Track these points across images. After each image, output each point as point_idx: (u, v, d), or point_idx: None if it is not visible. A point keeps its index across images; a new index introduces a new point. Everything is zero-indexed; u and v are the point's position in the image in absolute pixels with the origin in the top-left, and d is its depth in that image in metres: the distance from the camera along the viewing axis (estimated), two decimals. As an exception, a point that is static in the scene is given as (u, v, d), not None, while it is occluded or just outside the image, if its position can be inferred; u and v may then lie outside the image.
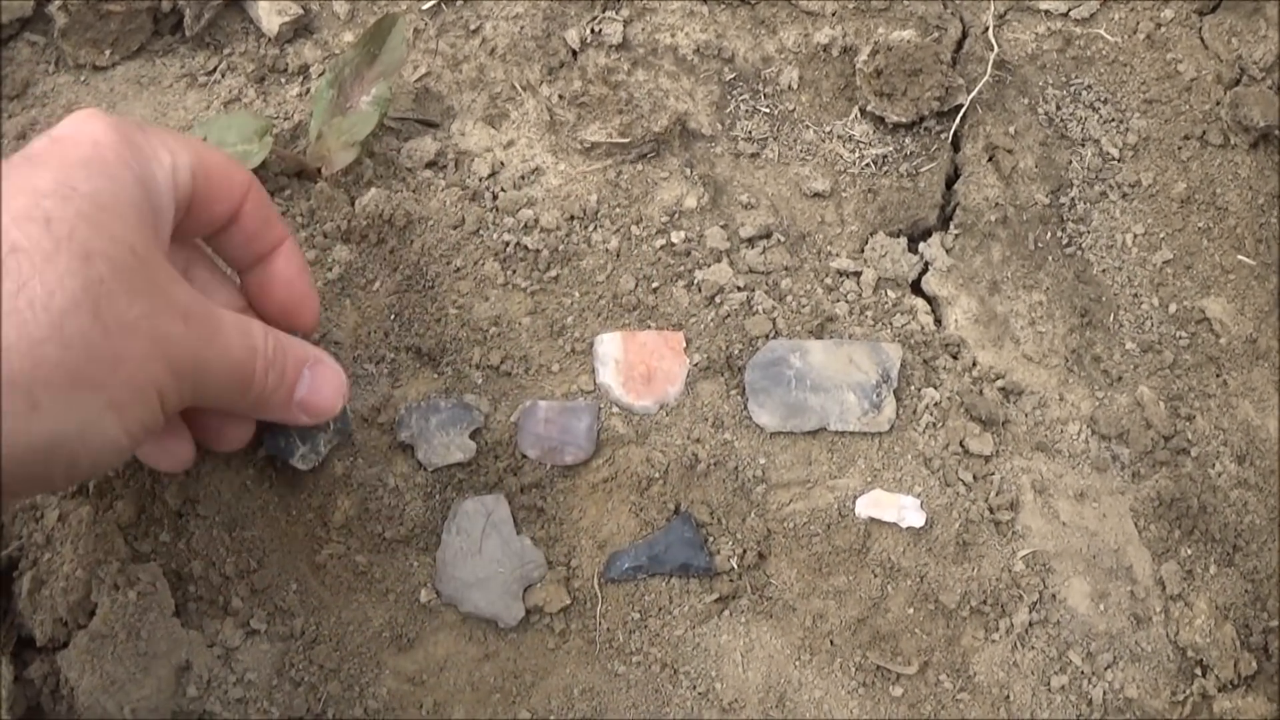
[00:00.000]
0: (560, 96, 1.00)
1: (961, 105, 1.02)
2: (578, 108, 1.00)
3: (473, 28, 1.04)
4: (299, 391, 0.77)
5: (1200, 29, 1.09)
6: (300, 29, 1.05)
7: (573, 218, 0.97)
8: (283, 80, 1.04)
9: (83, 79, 1.03)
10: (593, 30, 1.02)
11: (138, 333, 0.63)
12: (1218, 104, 1.06)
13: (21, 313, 0.58)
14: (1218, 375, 0.99)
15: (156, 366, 0.65)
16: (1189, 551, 0.94)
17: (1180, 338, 1.00)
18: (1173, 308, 1.00)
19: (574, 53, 1.02)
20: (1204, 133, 1.06)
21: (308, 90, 1.02)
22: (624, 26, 1.02)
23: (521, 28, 1.03)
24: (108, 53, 1.03)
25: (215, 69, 1.03)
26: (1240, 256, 1.03)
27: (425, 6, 1.05)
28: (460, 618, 0.87)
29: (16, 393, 0.58)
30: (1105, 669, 0.89)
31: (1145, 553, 0.93)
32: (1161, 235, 1.03)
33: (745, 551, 0.88)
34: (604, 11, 1.03)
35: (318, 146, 0.96)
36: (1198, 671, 0.91)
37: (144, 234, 0.66)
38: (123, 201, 0.65)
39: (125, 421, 0.64)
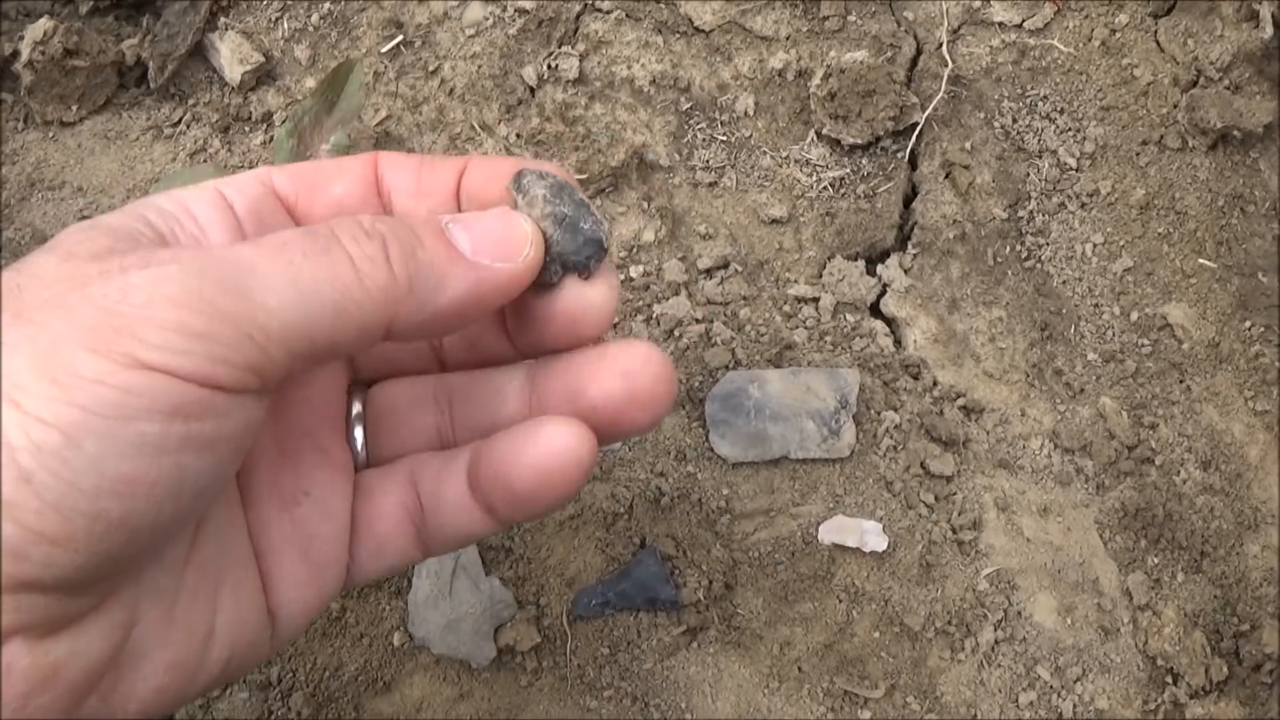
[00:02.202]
0: (518, 135, 1.02)
1: (917, 123, 1.03)
2: (535, 146, 1.01)
3: (431, 68, 1.05)
4: (461, 245, 0.52)
5: (1155, 32, 1.09)
6: (262, 76, 1.06)
7: (533, 256, 0.98)
8: (247, 129, 1.05)
9: (51, 135, 1.04)
10: (549, 66, 1.03)
11: None
12: (1175, 107, 1.07)
13: None
14: (1181, 381, 1.00)
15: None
16: (1156, 560, 0.95)
17: (1142, 345, 1.00)
18: (1134, 316, 1.01)
19: (531, 90, 1.03)
20: (1162, 137, 1.06)
21: (272, 137, 1.04)
22: (580, 61, 1.03)
23: (479, 67, 1.04)
24: (74, 108, 1.05)
25: (180, 120, 1.05)
26: (1201, 260, 1.03)
27: (385, 49, 1.06)
28: (434, 659, 0.89)
29: None
30: (1075, 682, 0.91)
31: (1111, 564, 0.94)
32: (1121, 243, 1.03)
33: (711, 582, 0.90)
34: (560, 47, 1.04)
35: (280, 196, 0.98)
36: (1169, 680, 0.92)
37: None
38: None
39: None
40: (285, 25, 1.07)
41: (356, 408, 0.60)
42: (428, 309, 0.49)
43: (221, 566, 0.53)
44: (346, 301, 0.47)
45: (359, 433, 0.60)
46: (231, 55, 1.06)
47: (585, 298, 0.55)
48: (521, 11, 1.04)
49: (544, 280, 0.54)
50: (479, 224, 0.53)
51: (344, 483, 0.58)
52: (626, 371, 0.54)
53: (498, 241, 0.52)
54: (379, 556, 0.59)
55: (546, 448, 0.53)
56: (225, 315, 0.44)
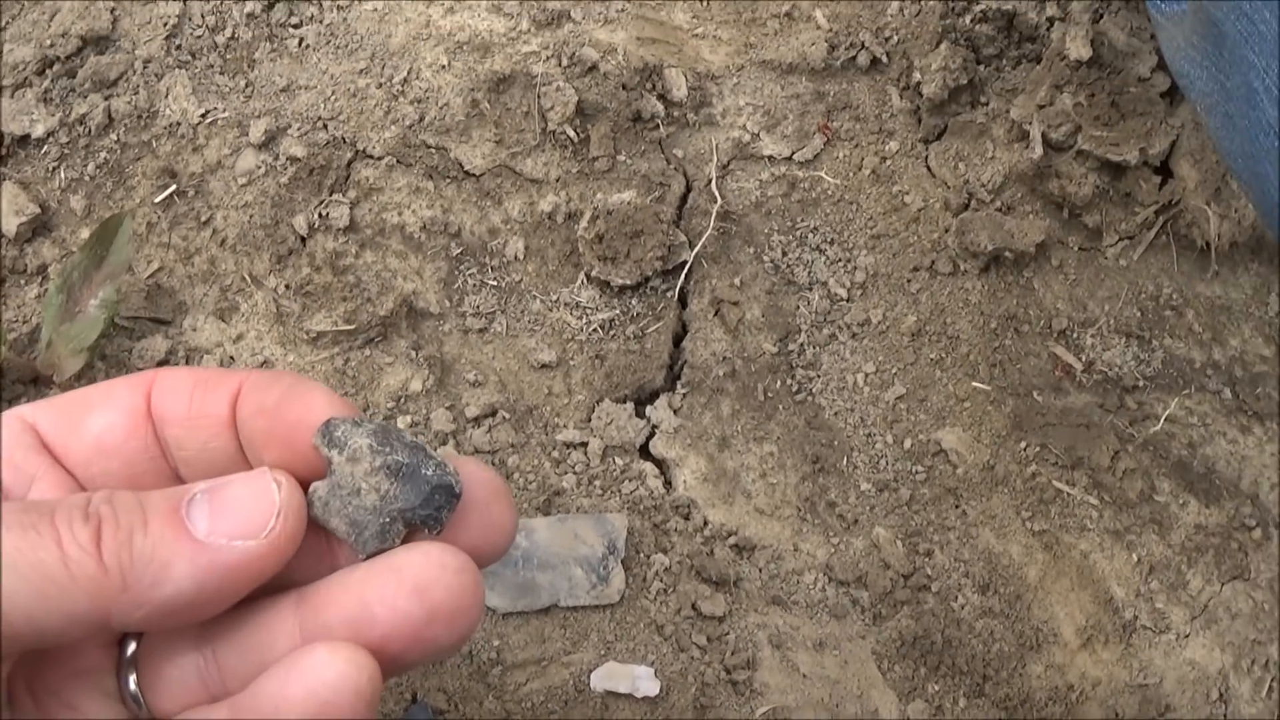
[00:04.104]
0: (287, 286, 1.01)
1: (686, 262, 1.04)
2: (304, 297, 1.01)
3: (204, 218, 1.05)
4: (197, 524, 0.45)
5: (926, 158, 1.11)
6: (38, 227, 1.06)
7: (301, 410, 0.97)
8: (22, 282, 1.04)
9: None
10: (320, 214, 1.03)
11: None
12: (946, 231, 1.08)
13: None
14: (956, 506, 1.01)
15: None
16: (936, 687, 0.95)
17: (917, 473, 1.01)
18: (908, 443, 1.02)
19: (302, 239, 1.03)
20: (933, 262, 1.08)
21: (46, 290, 1.03)
22: (350, 209, 1.03)
23: (251, 216, 1.04)
24: None
25: (-46, 276, 1.04)
26: (974, 383, 1.05)
27: (159, 199, 1.05)
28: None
29: None
30: (853, 817, 0.91)
31: (891, 694, 0.95)
32: (893, 371, 1.05)
33: (482, 737, 0.89)
34: (331, 194, 1.04)
35: (48, 354, 0.97)
36: (951, 808, 0.92)
37: None
38: None
39: None
40: (62, 174, 1.07)
41: (130, 649, 0.50)
42: (148, 603, 0.44)
43: None
44: (49, 586, 0.42)
45: (133, 686, 0.50)
46: (8, 206, 1.05)
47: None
48: (293, 159, 1.05)
49: (379, 548, 0.47)
50: (223, 492, 0.46)
51: None
52: (420, 585, 0.45)
53: (237, 514, 0.45)
54: None
55: (316, 681, 0.44)
56: None
